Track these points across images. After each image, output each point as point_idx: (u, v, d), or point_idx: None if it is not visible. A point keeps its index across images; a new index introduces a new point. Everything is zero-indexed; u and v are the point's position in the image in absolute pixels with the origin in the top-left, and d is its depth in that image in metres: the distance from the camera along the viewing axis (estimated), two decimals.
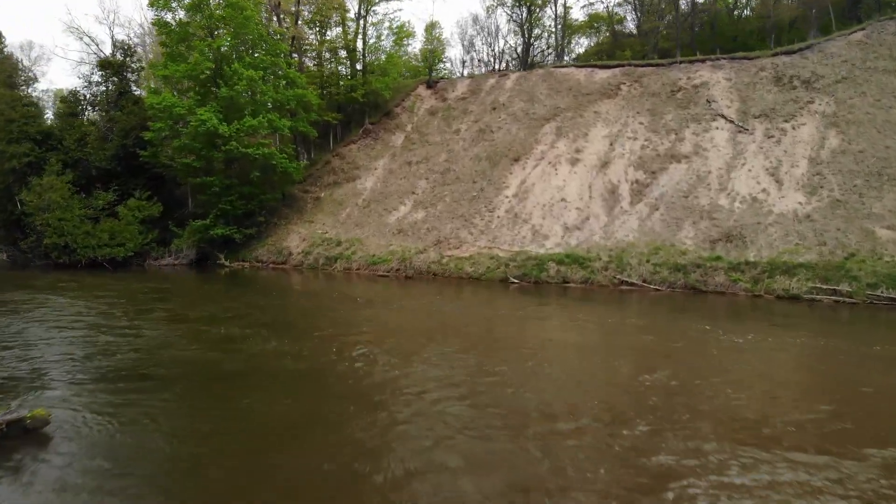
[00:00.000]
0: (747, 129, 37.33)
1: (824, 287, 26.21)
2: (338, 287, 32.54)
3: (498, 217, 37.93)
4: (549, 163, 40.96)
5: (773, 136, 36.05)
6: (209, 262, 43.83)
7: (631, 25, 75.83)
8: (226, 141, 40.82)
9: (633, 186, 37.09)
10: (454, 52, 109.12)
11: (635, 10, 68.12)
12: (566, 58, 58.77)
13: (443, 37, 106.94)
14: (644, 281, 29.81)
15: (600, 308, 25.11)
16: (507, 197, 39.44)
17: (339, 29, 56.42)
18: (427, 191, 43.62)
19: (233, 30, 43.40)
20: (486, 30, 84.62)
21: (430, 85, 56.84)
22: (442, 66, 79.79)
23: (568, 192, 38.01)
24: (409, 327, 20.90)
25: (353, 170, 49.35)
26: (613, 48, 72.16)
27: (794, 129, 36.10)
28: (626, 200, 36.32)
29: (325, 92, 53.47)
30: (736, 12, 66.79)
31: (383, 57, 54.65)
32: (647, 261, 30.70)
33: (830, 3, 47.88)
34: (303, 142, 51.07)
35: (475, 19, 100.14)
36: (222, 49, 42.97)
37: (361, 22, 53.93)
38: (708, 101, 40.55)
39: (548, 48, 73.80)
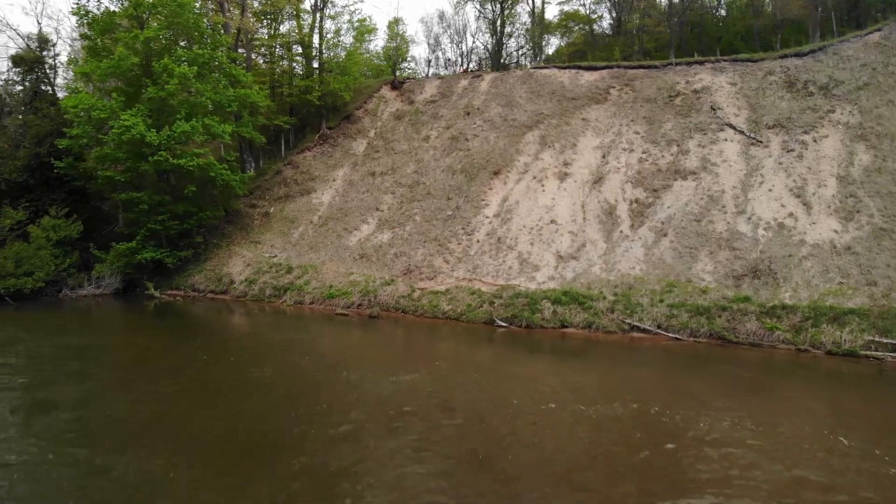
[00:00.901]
0: (761, 142, 32.67)
1: (885, 341, 21.44)
2: (286, 329, 26.69)
3: (478, 241, 32.47)
4: (535, 177, 35.70)
5: (792, 150, 31.42)
6: (137, 291, 37.33)
7: (605, 24, 71.69)
8: (154, 150, 34.49)
9: (632, 207, 32.07)
10: (419, 51, 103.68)
11: (614, 8, 63.44)
12: (541, 58, 53.48)
13: (407, 34, 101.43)
14: (659, 326, 24.70)
15: (605, 365, 19.92)
16: (487, 217, 34.02)
17: (294, 22, 50.26)
18: (394, 207, 37.94)
19: (164, 19, 37.05)
20: (454, 27, 79.48)
21: (396, 86, 51.17)
22: (406, 65, 74.48)
23: (558, 213, 32.78)
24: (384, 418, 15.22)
25: (308, 181, 43.37)
26: (590, 49, 67.81)
27: (815, 141, 31.55)
28: (626, 223, 31.26)
29: (276, 93, 47.27)
30: (720, 11, 62.79)
31: (343, 54, 48.69)
32: (661, 300, 25.62)
33: (832, 3, 43.72)
34: (250, 149, 44.82)
35: (441, 16, 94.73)
36: (152, 43, 36.52)
37: (318, 15, 47.88)
38: (713, 109, 35.83)
39: (522, 47, 68.90)
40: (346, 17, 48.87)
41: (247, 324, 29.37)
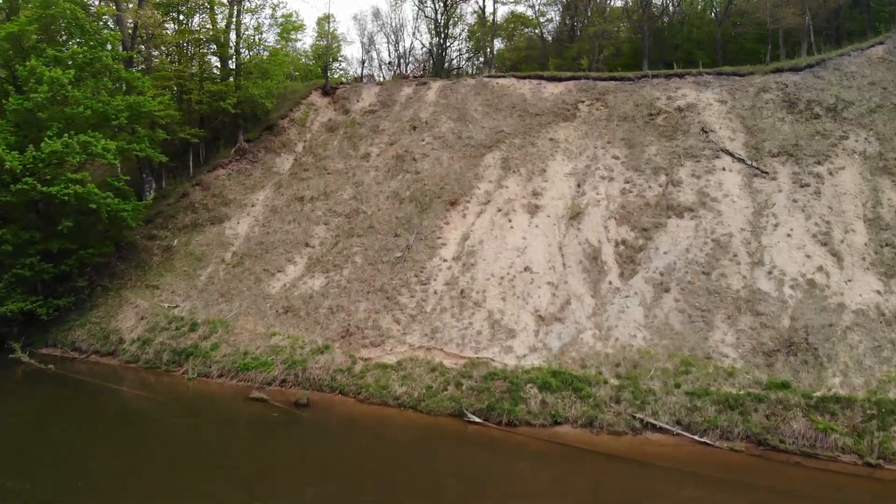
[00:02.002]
0: (766, 173, 27.70)
1: None
2: (165, 440, 19.62)
3: (436, 294, 26.08)
4: (499, 209, 29.65)
5: (807, 185, 26.54)
6: (4, 350, 29.14)
7: (555, 28, 66.56)
8: (17, 176, 26.61)
9: (619, 250, 26.48)
10: (352, 51, 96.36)
11: (568, 10, 58.15)
12: (491, 65, 47.51)
13: (338, 32, 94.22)
14: (679, 423, 19.03)
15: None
16: (444, 261, 27.68)
17: (207, 15, 42.32)
18: (328, 243, 31.14)
19: (33, 10, 29.06)
20: (390, 26, 72.87)
21: (328, 91, 44.23)
22: (338, 65, 67.50)
23: (532, 257, 26.81)
24: None
25: (221, 206, 35.87)
26: (538, 54, 62.48)
27: (831, 174, 26.79)
28: (615, 271, 25.62)
29: (185, 99, 39.43)
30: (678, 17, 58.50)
31: (265, 54, 41.29)
32: (677, 385, 19.98)
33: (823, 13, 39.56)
34: (150, 168, 36.91)
35: (376, 14, 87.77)
36: (21, 41, 28.46)
37: (235, 8, 40.29)
38: (704, 131, 30.70)
39: (468, 52, 62.90)
40: (269, 12, 41.28)
41: (133, 417, 22.01)
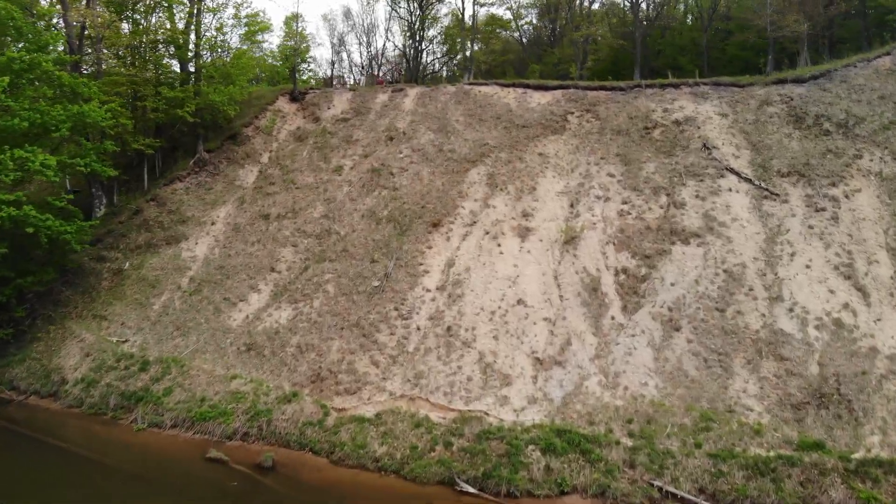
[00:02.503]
0: (777, 195, 25.54)
1: None
2: None
3: (419, 330, 23.29)
4: (487, 232, 27.03)
5: (822, 210, 24.41)
6: None
7: (528, 29, 64.14)
8: None
9: (620, 280, 24.06)
10: (321, 52, 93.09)
11: (548, 13, 55.68)
12: (470, 72, 44.81)
13: (307, 32, 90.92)
14: (702, 491, 16.58)
15: None
16: (428, 291, 24.92)
17: (165, 15, 38.76)
18: (296, 268, 28.18)
19: None
20: (362, 27, 69.82)
21: (296, 97, 41.19)
22: (306, 66, 64.34)
23: (525, 287, 24.22)
24: None
25: (178, 224, 32.61)
26: (520, 60, 60.02)
27: (847, 197, 24.73)
28: (617, 304, 23.18)
29: (139, 107, 35.95)
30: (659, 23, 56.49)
31: (228, 57, 38.01)
32: (697, 445, 17.56)
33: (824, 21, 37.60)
34: (100, 182, 33.40)
35: (347, 13, 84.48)
36: None
37: (195, 6, 36.88)
38: (706, 147, 28.48)
39: (444, 56, 60.17)
40: (232, 11, 37.94)
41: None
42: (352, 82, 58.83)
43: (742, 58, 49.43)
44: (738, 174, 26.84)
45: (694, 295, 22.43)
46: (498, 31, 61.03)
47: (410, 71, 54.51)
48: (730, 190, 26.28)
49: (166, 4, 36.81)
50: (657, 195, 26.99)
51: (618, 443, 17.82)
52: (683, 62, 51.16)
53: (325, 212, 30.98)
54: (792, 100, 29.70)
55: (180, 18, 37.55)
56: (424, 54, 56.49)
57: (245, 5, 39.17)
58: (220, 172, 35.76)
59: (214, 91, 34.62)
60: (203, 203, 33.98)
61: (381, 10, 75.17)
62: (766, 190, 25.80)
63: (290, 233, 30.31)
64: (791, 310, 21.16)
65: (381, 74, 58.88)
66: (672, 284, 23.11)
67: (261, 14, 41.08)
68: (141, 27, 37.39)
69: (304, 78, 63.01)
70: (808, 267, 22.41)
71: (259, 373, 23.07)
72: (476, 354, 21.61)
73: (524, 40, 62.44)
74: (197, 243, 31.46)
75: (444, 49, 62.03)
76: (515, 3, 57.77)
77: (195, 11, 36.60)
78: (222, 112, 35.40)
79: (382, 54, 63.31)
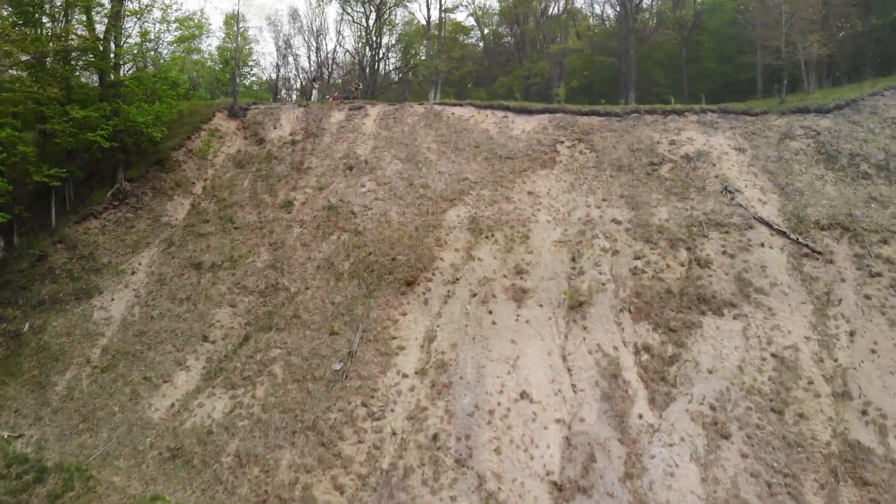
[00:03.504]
0: (820, 253, 21.44)
1: None
2: None
3: (395, 436, 18.12)
4: (474, 293, 22.12)
5: (877, 275, 20.41)
6: None
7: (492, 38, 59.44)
8: None
9: (644, 361, 19.52)
10: (266, 59, 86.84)
11: (515, 22, 50.96)
12: (438, 87, 39.65)
13: (249, 33, 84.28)
14: None
15: None
16: (405, 377, 19.79)
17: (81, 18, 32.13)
18: (234, 337, 22.66)
19: None
20: (310, 30, 63.83)
21: (236, 113, 35.39)
22: (248, 69, 58.21)
23: (529, 374, 19.38)
24: None
25: (91, 273, 26.56)
26: (484, 71, 55.26)
27: None
28: (643, 396, 18.61)
29: (46, 131, 29.42)
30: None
31: (153, 69, 31.86)
32: None
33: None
34: None
35: (294, 14, 78.24)
36: None
37: (116, 8, 30.57)
38: (727, 191, 24.26)
39: (403, 66, 54.74)
40: (159, 14, 31.72)
41: None
42: (299, 85, 53.02)
43: (721, 72, 46.14)
44: (769, 225, 22.68)
45: (740, 388, 18.03)
46: (460, 37, 56.25)
47: (366, 81, 49.13)
48: (762, 245, 22.10)
49: (82, 6, 30.33)
50: (675, 249, 22.60)
51: None
52: (660, 76, 47.53)
53: (271, 260, 25.54)
54: (819, 134, 25.83)
55: (99, 21, 31.26)
56: (381, 63, 51.11)
57: (174, 7, 32.58)
58: (143, 206, 29.76)
59: (137, 110, 28.59)
60: (122, 245, 27.97)
61: (332, 11, 69.34)
62: (806, 246, 21.70)
63: (228, 288, 24.75)
64: (864, 412, 16.98)
65: (330, 79, 53.17)
66: (710, 372, 18.67)
67: (196, 15, 34.67)
68: (45, 34, 30.66)
69: (247, 83, 56.98)
70: (873, 352, 18.33)
71: (187, 492, 17.58)
72: (474, 478, 16.60)
73: (485, 48, 57.85)
74: (113, 299, 25.51)
75: (402, 58, 56.90)
76: (480, 9, 53.06)
77: (116, 13, 30.40)
78: (146, 134, 29.34)
79: (333, 59, 57.62)
